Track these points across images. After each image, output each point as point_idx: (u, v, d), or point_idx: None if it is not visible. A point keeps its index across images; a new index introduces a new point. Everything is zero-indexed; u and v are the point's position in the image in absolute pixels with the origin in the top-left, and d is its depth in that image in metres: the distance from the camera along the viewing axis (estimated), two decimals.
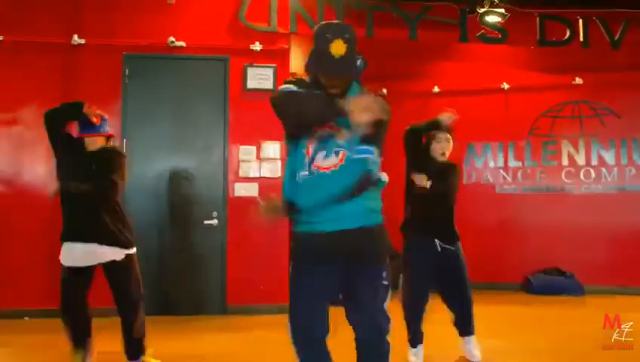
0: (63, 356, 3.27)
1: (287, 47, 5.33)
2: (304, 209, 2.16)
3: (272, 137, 5.18)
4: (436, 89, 6.92)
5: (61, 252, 3.19)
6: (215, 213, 5.13)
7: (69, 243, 3.16)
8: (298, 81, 2.20)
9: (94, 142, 3.30)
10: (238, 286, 5.12)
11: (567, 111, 6.59)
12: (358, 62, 2.18)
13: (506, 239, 6.62)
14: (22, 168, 5.04)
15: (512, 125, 6.72)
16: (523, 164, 6.70)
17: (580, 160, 6.54)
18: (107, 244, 3.13)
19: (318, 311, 2.16)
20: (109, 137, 3.43)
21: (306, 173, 2.12)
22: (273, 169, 5.21)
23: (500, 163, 6.78)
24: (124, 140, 5.01)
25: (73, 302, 3.14)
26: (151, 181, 5.09)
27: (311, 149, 2.13)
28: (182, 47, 5.13)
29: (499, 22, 5.69)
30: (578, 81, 6.46)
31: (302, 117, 2.09)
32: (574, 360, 3.76)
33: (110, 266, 3.16)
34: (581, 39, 5.78)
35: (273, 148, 5.23)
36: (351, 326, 2.19)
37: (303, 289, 2.17)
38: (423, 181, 3.50)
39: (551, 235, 6.47)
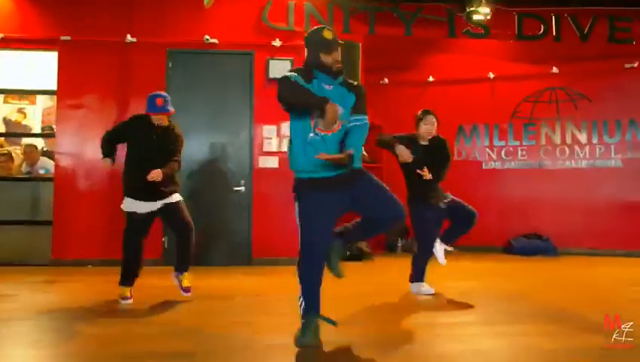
0: (114, 290, 4.23)
1: (302, 43, 6.33)
2: (312, 162, 2.93)
3: (289, 118, 6.18)
4: (431, 78, 7.90)
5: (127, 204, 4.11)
6: (243, 181, 6.17)
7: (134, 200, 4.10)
8: (299, 70, 3.04)
9: (160, 119, 4.18)
10: (261, 242, 6.15)
11: (546, 96, 7.55)
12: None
13: (491, 209, 7.59)
14: (85, 144, 6.08)
15: (497, 109, 7.70)
16: (506, 143, 7.68)
17: (556, 139, 7.50)
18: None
19: (329, 228, 3.02)
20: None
21: (313, 135, 2.94)
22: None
23: (486, 142, 7.76)
24: None
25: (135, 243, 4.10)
26: (190, 156, 6.11)
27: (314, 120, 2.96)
28: (215, 43, 6.17)
29: (483, 20, 6.63)
30: (555, 70, 7.41)
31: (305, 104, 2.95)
32: (536, 297, 4.68)
33: (170, 207, 4.18)
34: (554, 34, 6.72)
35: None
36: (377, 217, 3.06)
37: (316, 213, 2.99)
38: (426, 175, 4.29)
39: (531, 205, 7.46)
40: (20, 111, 7.41)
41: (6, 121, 7.23)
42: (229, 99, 6.24)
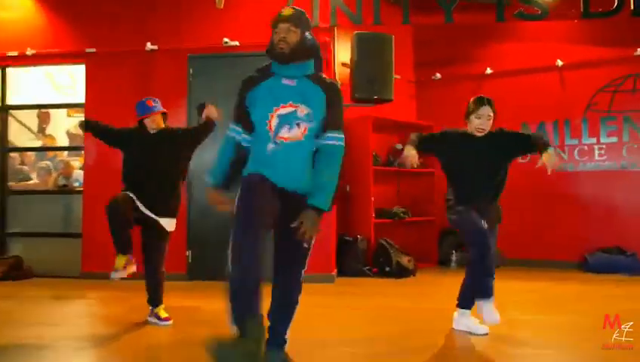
0: (132, 307, 4.04)
1: (328, 39, 5.83)
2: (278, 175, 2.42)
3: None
4: (489, 70, 7.00)
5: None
6: None
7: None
8: (259, 70, 2.61)
9: (154, 122, 3.89)
10: None
11: (628, 84, 6.35)
12: (311, 41, 2.56)
13: (563, 219, 6.55)
14: (112, 156, 5.94)
15: (568, 102, 6.62)
16: (580, 141, 6.57)
17: None
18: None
19: (267, 202, 2.35)
20: (164, 114, 4.02)
21: (272, 145, 2.42)
22: None
23: (556, 141, 6.69)
24: None
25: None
26: (211, 158, 5.83)
27: (273, 125, 2.43)
28: (235, 46, 5.85)
29: None
30: (639, 52, 6.21)
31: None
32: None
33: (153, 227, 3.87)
34: (632, 7, 5.55)
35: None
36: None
37: (257, 190, 2.36)
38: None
39: (612, 214, 6.31)
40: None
41: (69, 134, 7.45)
42: None
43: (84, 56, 6.07)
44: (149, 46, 5.95)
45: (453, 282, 3.81)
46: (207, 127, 4.10)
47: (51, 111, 7.17)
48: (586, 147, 6.56)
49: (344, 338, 3.45)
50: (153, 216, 3.84)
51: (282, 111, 2.46)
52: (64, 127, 7.40)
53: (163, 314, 3.87)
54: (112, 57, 6.03)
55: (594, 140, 6.51)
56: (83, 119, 4.07)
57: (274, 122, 2.45)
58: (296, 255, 2.51)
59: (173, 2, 6.07)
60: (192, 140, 4.05)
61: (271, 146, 2.44)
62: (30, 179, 6.82)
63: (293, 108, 2.45)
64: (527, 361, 3.04)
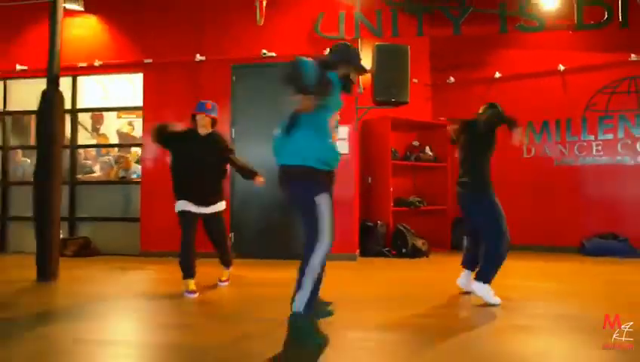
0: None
1: None
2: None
3: (342, 122, 6.55)
4: (498, 75, 7.75)
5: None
6: None
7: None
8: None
9: (203, 121, 4.62)
10: None
11: (624, 86, 7.03)
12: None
13: (564, 208, 7.26)
14: (165, 152, 6.96)
15: (569, 103, 7.33)
16: (579, 137, 7.28)
17: (636, 132, 6.95)
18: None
19: None
20: (214, 121, 4.74)
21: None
22: (343, 147, 6.60)
23: (558, 138, 7.41)
24: (233, 129, 6.78)
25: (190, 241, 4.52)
26: (252, 158, 6.69)
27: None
28: (272, 56, 6.76)
29: (548, 10, 6.33)
30: (634, 57, 6.89)
31: None
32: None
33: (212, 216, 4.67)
34: (620, 19, 6.27)
35: (344, 130, 6.61)
36: None
37: None
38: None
39: (608, 204, 7.01)
40: (130, 123, 8.65)
41: (119, 133, 8.51)
42: (287, 107, 6.75)
43: (142, 66, 7.07)
44: (198, 57, 6.90)
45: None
46: (245, 172, 4.69)
47: (104, 113, 8.24)
48: (585, 143, 7.26)
49: (365, 295, 4.33)
50: (209, 210, 4.56)
51: None
52: (114, 126, 8.50)
53: (224, 278, 4.85)
54: (166, 67, 7.01)
55: (592, 137, 7.21)
56: (156, 128, 4.63)
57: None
58: None
59: (218, 18, 7.01)
60: (224, 159, 4.67)
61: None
62: (93, 172, 7.87)
63: None
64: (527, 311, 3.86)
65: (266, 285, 4.94)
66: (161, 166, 6.99)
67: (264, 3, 6.19)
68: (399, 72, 6.66)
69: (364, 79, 6.97)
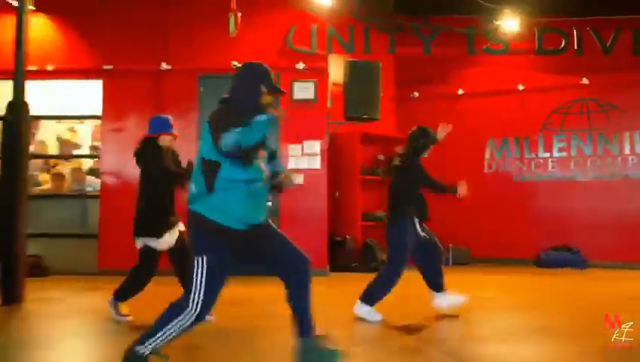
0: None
1: (325, 65, 6.63)
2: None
3: (312, 136, 6.50)
4: (460, 91, 7.97)
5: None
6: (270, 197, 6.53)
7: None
8: None
9: (167, 140, 4.09)
10: None
11: (577, 108, 7.45)
12: None
13: (522, 221, 7.59)
14: (126, 163, 6.60)
15: (527, 121, 7.67)
16: (536, 155, 7.64)
17: (588, 151, 7.38)
18: None
19: None
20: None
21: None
22: (313, 162, 6.55)
23: (517, 154, 7.74)
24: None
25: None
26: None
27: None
28: None
29: (509, 34, 6.64)
30: (585, 81, 7.31)
31: None
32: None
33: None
34: (575, 47, 6.67)
35: (313, 145, 6.55)
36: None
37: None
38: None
39: (562, 218, 7.40)
40: (71, 129, 7.98)
41: (59, 140, 7.88)
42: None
43: (101, 72, 6.65)
44: (163, 65, 6.60)
45: None
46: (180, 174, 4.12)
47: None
48: (541, 160, 7.63)
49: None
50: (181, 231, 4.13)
51: None
52: (54, 132, 7.65)
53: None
54: (128, 75, 6.63)
55: (548, 154, 7.60)
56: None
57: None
58: None
59: (186, 27, 6.72)
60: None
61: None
62: (40, 184, 7.30)
63: None
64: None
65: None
66: (121, 179, 6.63)
67: (239, 14, 6.00)
68: (370, 88, 6.69)
69: (335, 94, 6.93)
